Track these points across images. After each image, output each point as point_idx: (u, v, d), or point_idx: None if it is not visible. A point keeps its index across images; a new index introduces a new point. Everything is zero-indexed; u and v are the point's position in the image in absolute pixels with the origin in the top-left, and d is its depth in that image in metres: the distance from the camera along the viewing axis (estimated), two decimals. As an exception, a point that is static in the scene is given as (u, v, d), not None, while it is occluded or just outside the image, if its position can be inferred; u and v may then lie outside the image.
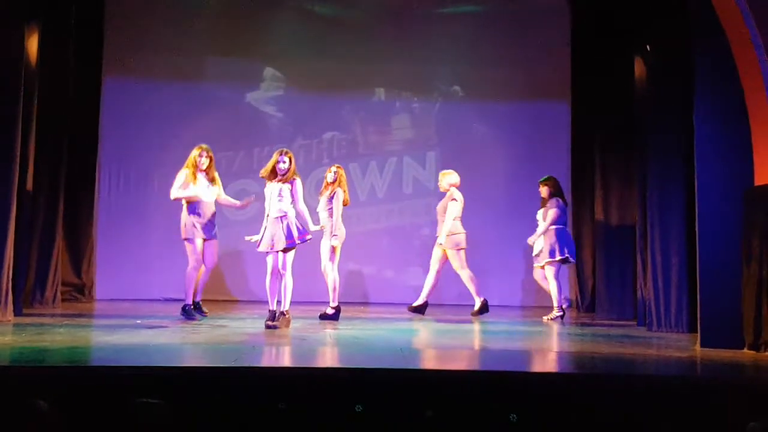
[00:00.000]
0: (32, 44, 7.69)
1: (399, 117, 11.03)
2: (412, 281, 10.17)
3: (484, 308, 8.49)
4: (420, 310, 8.51)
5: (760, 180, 6.03)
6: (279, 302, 6.98)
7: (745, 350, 5.94)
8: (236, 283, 10.41)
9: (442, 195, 8.76)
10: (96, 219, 10.13)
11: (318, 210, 8.00)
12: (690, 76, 6.55)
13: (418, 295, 8.57)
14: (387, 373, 4.57)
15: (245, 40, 10.74)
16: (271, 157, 7.09)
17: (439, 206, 8.65)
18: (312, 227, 7.40)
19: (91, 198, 10.07)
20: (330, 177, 8.07)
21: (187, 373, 4.50)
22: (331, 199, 7.92)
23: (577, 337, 7.17)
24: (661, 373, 5.17)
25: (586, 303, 9.86)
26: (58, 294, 8.82)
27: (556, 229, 8.53)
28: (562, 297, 8.63)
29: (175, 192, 7.53)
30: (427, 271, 8.70)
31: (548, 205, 8.66)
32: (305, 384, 4.37)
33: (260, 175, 7.19)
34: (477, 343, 6.66)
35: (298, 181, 7.08)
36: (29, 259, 8.11)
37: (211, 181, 7.67)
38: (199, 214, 7.53)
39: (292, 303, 7.04)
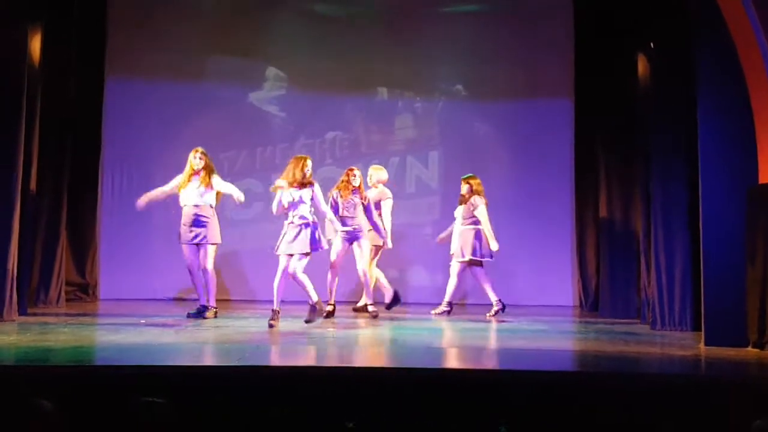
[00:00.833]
0: (35, 45, 7.70)
1: (401, 116, 11.01)
2: (415, 281, 10.18)
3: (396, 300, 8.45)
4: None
5: (764, 178, 6.02)
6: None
7: (750, 348, 5.93)
8: (238, 283, 10.41)
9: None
10: (99, 219, 10.13)
11: (342, 214, 7.97)
12: (693, 73, 6.54)
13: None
14: (388, 372, 4.58)
15: (247, 39, 10.73)
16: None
17: (372, 202, 8.35)
18: (339, 228, 7.52)
19: (94, 198, 10.07)
20: (357, 180, 8.10)
21: (191, 373, 4.50)
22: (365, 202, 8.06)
23: (580, 336, 7.17)
24: (666, 371, 5.17)
25: (589, 302, 9.85)
26: (62, 294, 8.84)
27: (479, 229, 8.53)
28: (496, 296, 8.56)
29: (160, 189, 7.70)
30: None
31: (472, 202, 8.57)
32: (308, 383, 4.37)
33: (278, 183, 7.18)
34: (480, 343, 6.66)
35: (317, 186, 7.20)
36: (33, 259, 8.12)
37: (206, 185, 7.59)
38: (183, 218, 7.60)
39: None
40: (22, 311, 7.33)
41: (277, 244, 7.08)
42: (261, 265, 9.85)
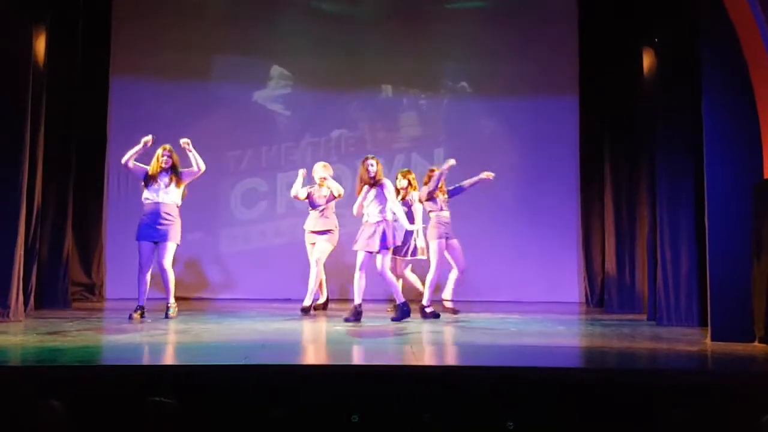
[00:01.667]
0: (39, 44, 7.71)
1: (407, 114, 11.02)
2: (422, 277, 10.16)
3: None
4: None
5: (769, 173, 6.01)
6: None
7: (756, 344, 5.92)
8: (242, 281, 10.42)
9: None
10: (105, 218, 10.15)
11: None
12: (698, 69, 6.53)
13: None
14: (394, 369, 4.58)
15: (252, 38, 10.75)
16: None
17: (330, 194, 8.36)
18: (408, 227, 7.52)
19: (100, 197, 10.10)
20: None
21: (198, 372, 4.50)
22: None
23: (587, 332, 7.16)
24: (672, 367, 5.15)
25: (596, 298, 9.85)
26: (69, 294, 8.84)
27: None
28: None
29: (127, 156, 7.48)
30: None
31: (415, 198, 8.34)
32: (314, 381, 4.37)
33: (358, 187, 7.53)
34: (489, 339, 6.65)
35: (387, 183, 7.40)
36: (39, 259, 8.13)
37: (176, 183, 7.49)
38: (145, 214, 7.42)
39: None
40: (28, 312, 7.35)
41: (356, 239, 7.42)
42: (265, 263, 9.89)
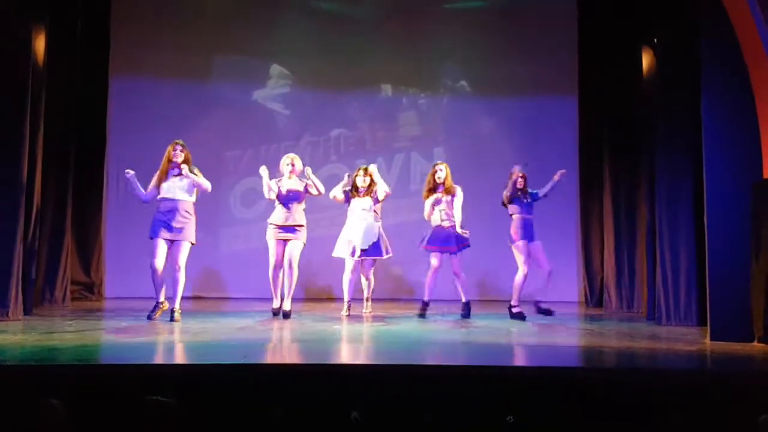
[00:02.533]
0: (39, 44, 7.71)
1: (406, 113, 11.03)
2: (420, 277, 10.15)
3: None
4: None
5: (768, 173, 6.02)
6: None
7: (755, 343, 5.92)
8: (241, 280, 10.42)
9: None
10: (105, 217, 10.16)
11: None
12: (698, 69, 6.53)
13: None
14: (394, 368, 4.58)
15: (252, 38, 10.75)
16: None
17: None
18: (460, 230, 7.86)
19: (99, 197, 10.10)
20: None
21: (198, 371, 4.51)
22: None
23: (586, 332, 7.16)
24: (671, 366, 5.15)
25: (595, 298, 9.86)
26: (68, 293, 8.86)
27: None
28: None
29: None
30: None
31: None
32: (314, 380, 4.37)
33: (424, 196, 8.00)
34: (489, 339, 6.66)
35: (458, 191, 7.93)
36: (39, 258, 8.13)
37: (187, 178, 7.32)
38: (161, 212, 7.27)
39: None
40: (27, 310, 7.34)
41: (423, 239, 7.94)
42: (265, 263, 9.86)
